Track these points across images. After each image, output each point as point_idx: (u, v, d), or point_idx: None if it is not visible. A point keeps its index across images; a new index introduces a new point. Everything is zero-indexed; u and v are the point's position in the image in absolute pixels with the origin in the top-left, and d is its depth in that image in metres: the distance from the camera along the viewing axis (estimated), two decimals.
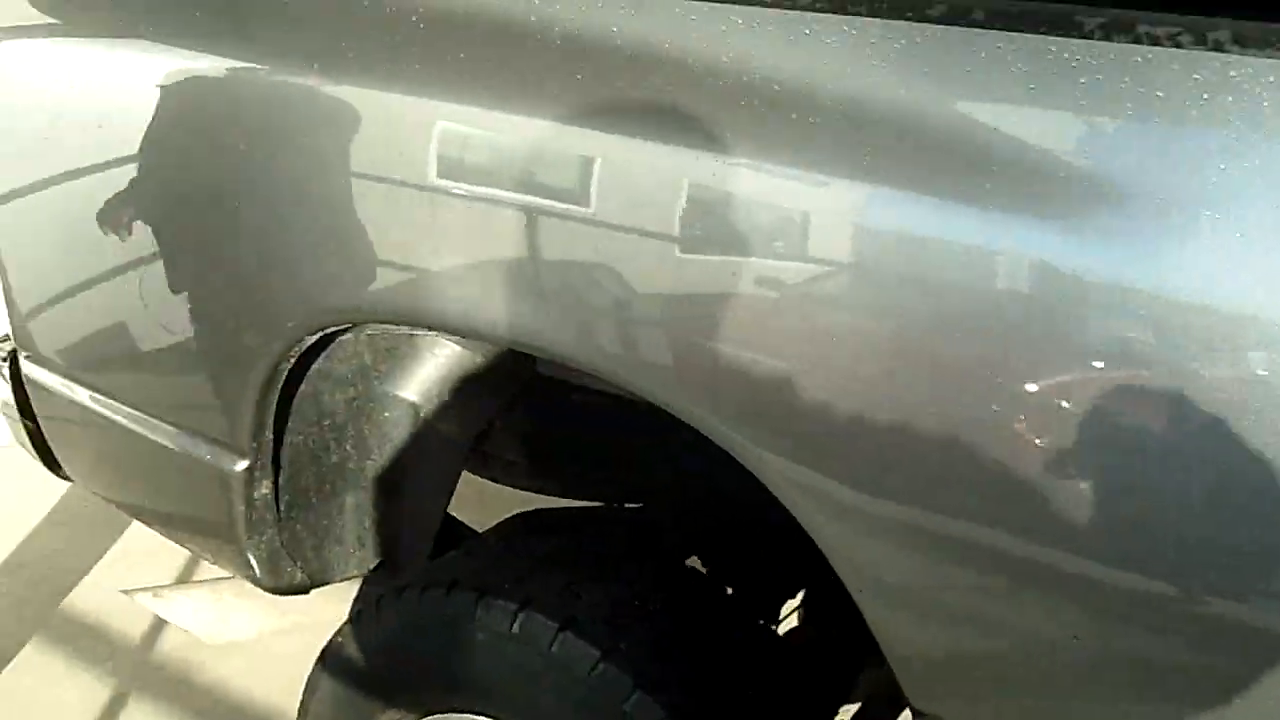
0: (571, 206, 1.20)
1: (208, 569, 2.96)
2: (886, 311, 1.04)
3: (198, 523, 1.78)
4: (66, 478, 2.01)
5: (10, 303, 1.84)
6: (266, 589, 1.77)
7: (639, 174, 1.14)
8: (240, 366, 1.54)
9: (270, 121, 1.41)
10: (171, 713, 2.52)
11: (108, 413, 1.75)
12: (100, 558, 3.08)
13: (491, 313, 1.28)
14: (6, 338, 1.98)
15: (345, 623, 1.60)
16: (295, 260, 1.41)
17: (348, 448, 1.72)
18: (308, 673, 1.63)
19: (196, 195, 1.49)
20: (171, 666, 2.66)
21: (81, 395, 1.79)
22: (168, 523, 1.85)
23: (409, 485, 1.77)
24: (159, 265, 1.59)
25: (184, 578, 2.97)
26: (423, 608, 1.49)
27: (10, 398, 1.93)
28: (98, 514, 3.21)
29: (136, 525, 3.02)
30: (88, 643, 2.74)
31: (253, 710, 2.50)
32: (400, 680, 1.55)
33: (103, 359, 1.75)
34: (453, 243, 1.29)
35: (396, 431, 1.74)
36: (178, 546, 3.00)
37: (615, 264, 1.19)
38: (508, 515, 2.01)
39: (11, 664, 2.68)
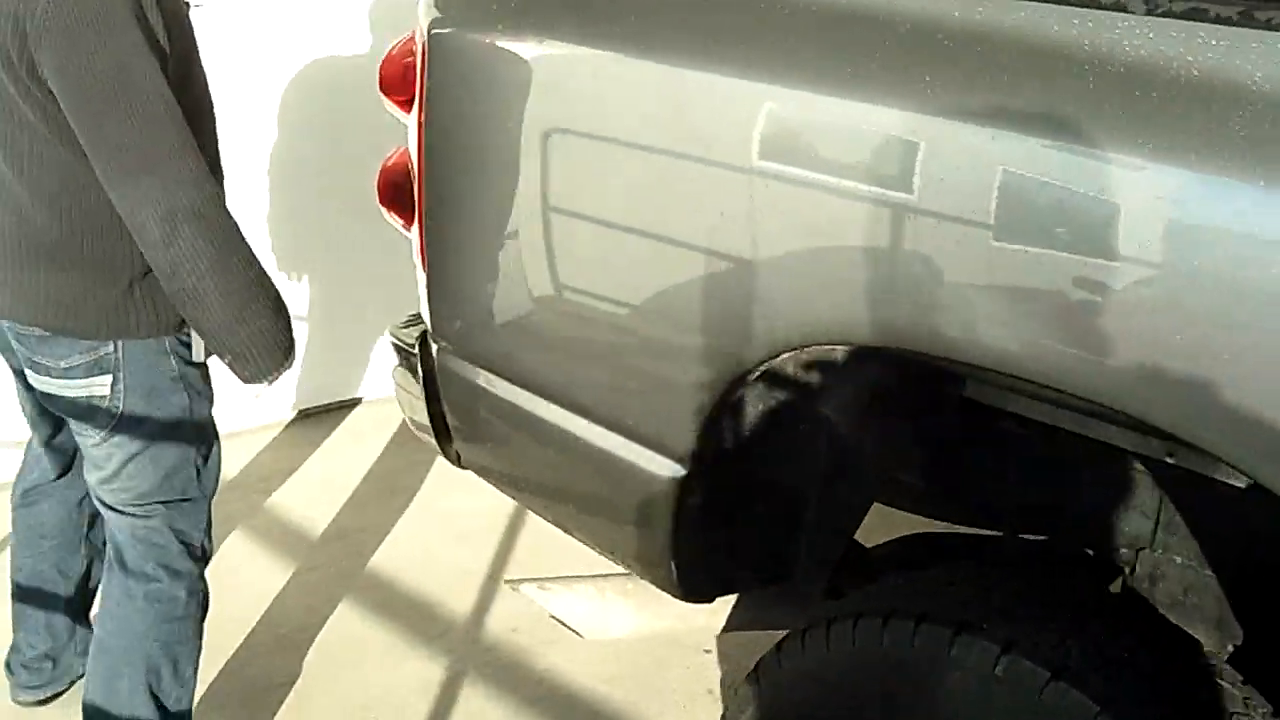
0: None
1: (528, 552, 3.00)
2: None
3: (615, 524, 1.77)
4: (461, 465, 2.03)
5: (432, 292, 1.87)
6: (678, 595, 1.76)
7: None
8: (703, 376, 1.52)
9: (774, 137, 1.37)
10: (503, 698, 2.56)
11: (531, 408, 1.76)
12: (427, 533, 3.16)
13: (1002, 339, 1.23)
14: (414, 320, 2.02)
15: (782, 641, 1.56)
16: (794, 273, 1.37)
17: (766, 460, 1.69)
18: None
19: (683, 201, 1.47)
20: (500, 650, 2.70)
21: (501, 388, 1.81)
22: (576, 520, 1.85)
23: (822, 501, 1.73)
24: (619, 266, 1.59)
25: (499, 561, 3.03)
26: (884, 637, 1.43)
27: (418, 384, 1.97)
28: (423, 490, 3.32)
29: (464, 503, 3.10)
30: (418, 620, 2.81)
31: (585, 703, 2.52)
32: (847, 709, 1.50)
33: (534, 355, 1.76)
34: (959, 268, 1.24)
35: (814, 447, 1.70)
36: (504, 527, 3.09)
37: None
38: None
39: (338, 635, 2.76)
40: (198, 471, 2.05)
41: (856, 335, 1.40)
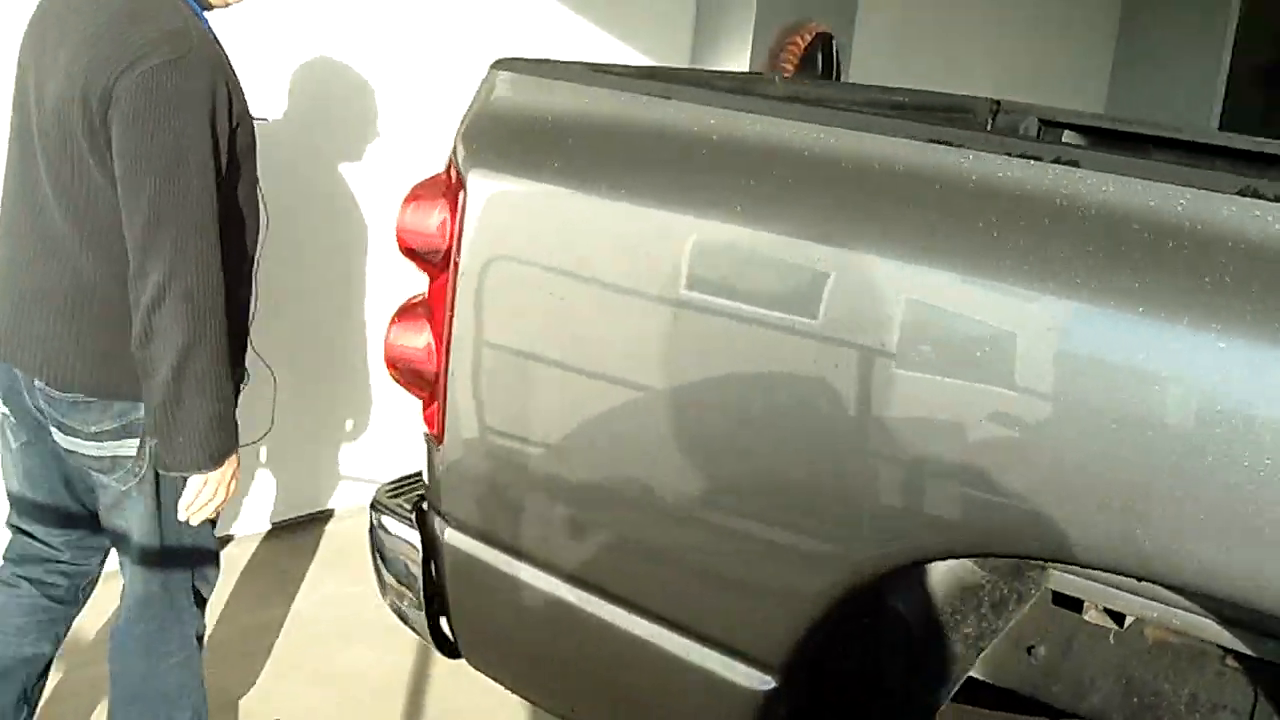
0: None
1: (439, 714, 2.73)
2: None
3: None
4: (454, 656, 1.79)
5: (448, 466, 1.65)
6: None
7: None
8: (808, 586, 1.36)
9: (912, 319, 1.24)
10: None
11: (579, 604, 1.56)
12: (319, 703, 2.83)
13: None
14: (403, 486, 1.79)
15: None
16: (940, 477, 1.24)
17: (856, 667, 1.56)
18: None
19: (783, 387, 1.32)
20: None
21: (536, 578, 1.60)
22: None
23: (904, 706, 1.59)
24: (704, 453, 1.42)
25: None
26: None
27: (414, 561, 1.73)
28: (303, 649, 2.98)
29: (354, 665, 2.79)
30: None
31: None
32: None
33: (585, 548, 1.56)
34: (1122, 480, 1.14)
35: (901, 649, 1.57)
36: (399, 686, 2.78)
37: None
38: None
39: None
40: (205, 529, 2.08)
41: (990, 546, 1.28)
